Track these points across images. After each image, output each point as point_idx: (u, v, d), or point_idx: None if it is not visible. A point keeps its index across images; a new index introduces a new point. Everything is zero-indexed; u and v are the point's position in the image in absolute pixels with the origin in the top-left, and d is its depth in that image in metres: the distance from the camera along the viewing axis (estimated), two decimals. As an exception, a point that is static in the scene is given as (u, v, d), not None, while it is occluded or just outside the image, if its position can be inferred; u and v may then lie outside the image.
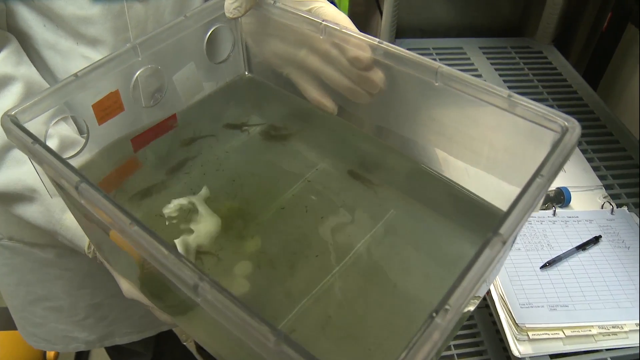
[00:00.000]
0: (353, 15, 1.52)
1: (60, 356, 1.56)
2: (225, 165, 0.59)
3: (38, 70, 0.63)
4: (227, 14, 0.56)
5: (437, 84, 0.48)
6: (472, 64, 1.20)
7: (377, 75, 0.52)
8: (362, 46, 0.51)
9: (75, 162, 0.53)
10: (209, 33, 0.59)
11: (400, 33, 1.22)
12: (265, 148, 0.62)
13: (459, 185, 0.55)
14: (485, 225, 0.53)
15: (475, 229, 0.53)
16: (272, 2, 0.56)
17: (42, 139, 0.46)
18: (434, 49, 1.23)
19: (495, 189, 0.51)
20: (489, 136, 0.48)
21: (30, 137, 0.44)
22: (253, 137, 0.63)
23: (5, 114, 0.46)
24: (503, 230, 0.35)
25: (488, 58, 1.22)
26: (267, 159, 0.61)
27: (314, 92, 0.59)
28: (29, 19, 0.61)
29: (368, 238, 0.53)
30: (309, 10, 0.55)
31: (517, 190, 0.37)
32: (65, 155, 0.53)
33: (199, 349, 0.68)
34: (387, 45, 0.50)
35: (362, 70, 0.52)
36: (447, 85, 0.48)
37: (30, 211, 0.61)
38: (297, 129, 0.64)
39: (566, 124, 0.42)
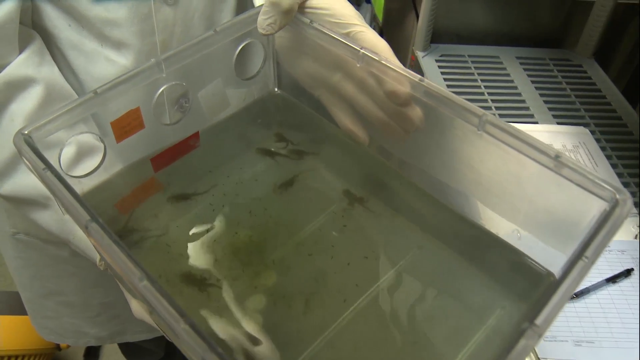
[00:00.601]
0: (388, 12, 1.48)
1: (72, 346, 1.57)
2: (246, 191, 0.57)
3: (61, 70, 0.60)
4: (260, 30, 0.52)
5: (479, 132, 0.45)
6: (507, 75, 1.16)
7: (415, 113, 0.49)
8: (401, 80, 0.48)
9: (92, 181, 0.51)
10: (239, 48, 0.55)
11: (435, 37, 1.18)
12: (290, 173, 0.59)
13: (490, 233, 0.52)
14: (516, 277, 0.51)
15: (505, 281, 0.50)
16: (309, 21, 0.52)
17: (56, 158, 0.44)
18: (469, 56, 1.19)
19: (530, 244, 0.48)
20: (531, 193, 0.45)
21: (42, 161, 0.41)
22: (278, 161, 0.60)
23: (20, 132, 0.43)
24: (540, 321, 0.32)
25: (525, 69, 1.17)
26: (291, 187, 0.58)
27: (345, 120, 0.56)
28: (53, 17, 0.58)
29: (389, 278, 0.50)
30: (347, 34, 0.52)
31: (552, 251, 0.34)
32: (83, 164, 0.51)
33: None
34: (428, 84, 0.46)
35: (399, 105, 0.49)
36: (490, 135, 0.44)
37: (44, 218, 0.59)
38: (325, 154, 0.61)
39: (617, 195, 0.39)
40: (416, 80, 0.47)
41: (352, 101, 0.54)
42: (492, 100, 1.08)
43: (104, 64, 0.61)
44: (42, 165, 0.41)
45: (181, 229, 0.53)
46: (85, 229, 0.37)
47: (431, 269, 0.52)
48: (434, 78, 1.12)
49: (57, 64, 0.60)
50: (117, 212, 0.53)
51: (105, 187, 0.52)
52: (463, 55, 1.18)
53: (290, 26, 0.54)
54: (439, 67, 1.15)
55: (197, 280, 0.49)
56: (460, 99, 0.45)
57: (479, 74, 1.15)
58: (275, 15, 0.51)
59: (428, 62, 1.16)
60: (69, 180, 0.48)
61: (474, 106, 0.45)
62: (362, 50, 0.49)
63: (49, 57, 0.59)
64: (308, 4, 0.53)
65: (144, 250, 0.51)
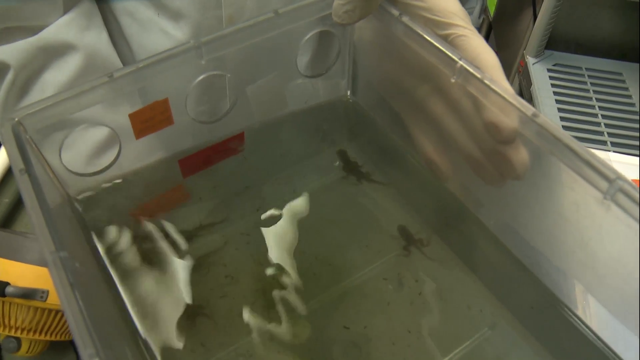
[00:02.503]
0: (502, 6, 1.32)
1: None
2: (288, 216, 0.46)
3: (112, 38, 0.51)
4: (335, 18, 0.41)
5: (606, 201, 0.32)
6: (629, 95, 0.99)
7: (520, 156, 0.36)
8: (507, 110, 0.35)
9: (102, 179, 0.42)
10: (306, 37, 0.44)
11: (551, 43, 1.03)
12: (347, 201, 0.47)
13: (583, 325, 0.39)
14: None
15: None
16: (398, 14, 0.40)
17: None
18: (586, 69, 1.03)
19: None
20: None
21: (23, 160, 0.32)
22: (335, 182, 0.48)
23: (8, 115, 0.34)
24: None
25: (653, 92, 1.00)
26: (343, 217, 0.47)
27: (427, 146, 0.44)
28: None
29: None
30: (446, 37, 0.39)
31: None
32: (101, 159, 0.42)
33: None
34: (544, 122, 0.33)
35: (499, 142, 0.37)
36: (621, 209, 0.31)
37: None
38: (391, 183, 0.49)
39: None
40: (528, 114, 0.34)
41: (439, 124, 0.42)
42: (607, 125, 0.92)
43: (158, 35, 0.52)
44: (20, 165, 0.32)
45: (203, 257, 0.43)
46: (47, 261, 0.28)
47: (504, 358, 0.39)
48: (542, 90, 0.97)
49: (109, 32, 0.51)
50: (132, 220, 0.44)
51: (119, 189, 0.43)
52: (580, 68, 1.03)
53: (374, 16, 0.42)
54: (550, 77, 1.00)
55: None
56: (587, 152, 0.32)
57: (594, 92, 0.99)
58: (355, 1, 0.39)
59: (539, 70, 1.01)
60: (72, 178, 0.40)
61: (604, 164, 0.32)
62: (460, 62, 0.37)
63: (99, 22, 0.50)
64: None
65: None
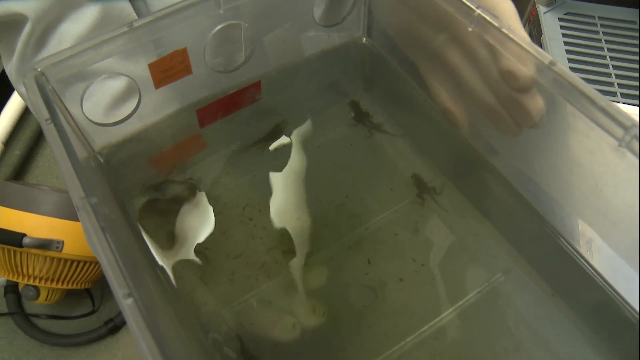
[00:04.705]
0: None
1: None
2: (304, 164, 0.46)
3: None
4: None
5: (621, 148, 0.32)
6: (643, 47, 0.97)
7: (535, 104, 0.37)
8: (524, 59, 0.35)
9: (123, 131, 0.42)
10: (322, -14, 0.44)
11: (562, -10, 1.01)
12: (361, 150, 0.48)
13: (593, 271, 0.40)
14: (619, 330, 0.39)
15: (599, 329, 0.39)
16: (414, -39, 0.40)
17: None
18: (599, 17, 1.01)
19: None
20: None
21: (48, 109, 0.33)
22: (349, 132, 0.49)
23: (32, 66, 0.35)
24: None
25: (670, 43, 0.98)
26: (357, 166, 0.47)
27: (443, 95, 0.44)
28: None
29: (462, 305, 0.40)
30: (462, -15, 0.39)
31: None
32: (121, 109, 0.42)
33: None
34: (561, 70, 0.34)
35: (516, 90, 0.37)
36: (636, 156, 0.31)
37: None
38: (407, 131, 0.49)
39: None
40: (545, 62, 0.34)
41: (455, 74, 0.42)
42: (617, 76, 0.91)
43: None
44: (46, 115, 0.32)
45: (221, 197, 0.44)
46: (76, 208, 0.29)
47: (517, 305, 0.40)
48: (553, 39, 0.95)
49: None
50: (151, 168, 0.45)
51: (139, 139, 0.44)
52: (592, 17, 1.01)
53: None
54: (562, 27, 0.98)
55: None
56: (603, 99, 0.32)
57: (606, 41, 0.97)
58: None
59: (550, 19, 0.99)
60: (92, 129, 0.41)
61: (620, 111, 0.32)
62: (478, 10, 0.37)
63: None
64: None
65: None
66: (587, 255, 0.40)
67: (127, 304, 0.25)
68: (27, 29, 0.44)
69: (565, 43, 0.95)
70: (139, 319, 0.25)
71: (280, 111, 0.49)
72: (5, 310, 0.81)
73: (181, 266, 0.41)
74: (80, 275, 0.77)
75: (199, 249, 0.42)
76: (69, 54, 0.35)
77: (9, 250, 0.72)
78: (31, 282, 0.74)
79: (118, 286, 0.26)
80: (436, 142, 0.49)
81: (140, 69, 0.40)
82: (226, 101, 0.45)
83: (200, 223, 0.43)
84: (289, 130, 0.48)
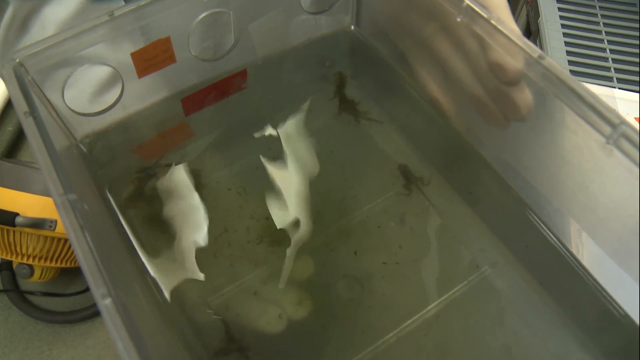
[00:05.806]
0: None
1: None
2: (290, 153, 0.46)
3: None
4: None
5: (608, 145, 0.32)
6: (643, 28, 0.96)
7: (523, 98, 0.36)
8: (512, 51, 0.35)
9: (107, 119, 0.42)
10: (309, -27, 0.43)
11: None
12: (347, 139, 0.47)
13: (579, 266, 0.40)
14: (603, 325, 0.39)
15: (583, 324, 0.39)
16: (404, -51, 0.39)
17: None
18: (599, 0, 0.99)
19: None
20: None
21: (27, 102, 0.32)
22: (335, 120, 0.48)
23: (10, 57, 0.34)
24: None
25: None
26: (343, 156, 0.47)
27: (431, 85, 0.43)
28: None
29: (447, 298, 0.40)
30: (453, -26, 0.38)
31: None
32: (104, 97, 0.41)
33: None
34: (550, 64, 0.33)
35: (504, 83, 0.36)
36: (623, 154, 0.31)
37: None
38: (394, 119, 0.49)
39: None
40: (534, 56, 0.34)
41: (443, 64, 0.41)
42: (614, 61, 0.90)
43: None
44: (25, 108, 0.32)
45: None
46: (55, 205, 0.28)
47: (503, 298, 0.40)
48: (550, 22, 0.94)
49: None
50: (136, 157, 0.44)
51: (123, 128, 0.43)
52: (591, -1, 0.99)
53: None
54: (560, 9, 0.97)
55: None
56: (592, 95, 0.32)
57: (604, 24, 0.96)
58: None
59: (548, 1, 0.98)
60: (74, 117, 0.40)
61: (608, 108, 0.32)
62: (466, 1, 0.36)
63: None
64: None
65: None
66: (574, 250, 0.40)
67: (104, 305, 0.25)
68: (8, 13, 0.44)
69: (563, 26, 0.94)
70: (116, 319, 0.25)
71: (267, 99, 0.48)
72: (0, 287, 0.82)
73: (165, 256, 0.40)
74: (74, 254, 0.77)
75: (183, 238, 0.41)
76: (48, 44, 0.35)
77: (2, 229, 0.72)
78: (25, 260, 0.74)
79: (95, 286, 0.26)
80: (424, 132, 0.49)
81: (123, 57, 0.39)
82: (212, 89, 0.45)
83: (186, 212, 0.43)
84: (275, 118, 0.47)
